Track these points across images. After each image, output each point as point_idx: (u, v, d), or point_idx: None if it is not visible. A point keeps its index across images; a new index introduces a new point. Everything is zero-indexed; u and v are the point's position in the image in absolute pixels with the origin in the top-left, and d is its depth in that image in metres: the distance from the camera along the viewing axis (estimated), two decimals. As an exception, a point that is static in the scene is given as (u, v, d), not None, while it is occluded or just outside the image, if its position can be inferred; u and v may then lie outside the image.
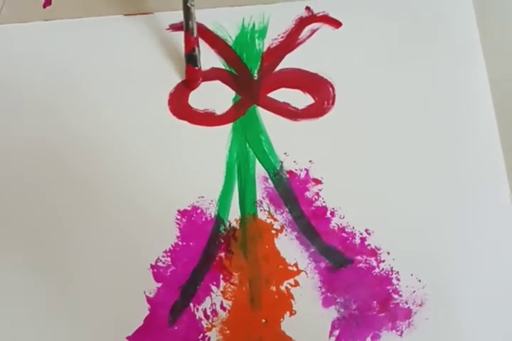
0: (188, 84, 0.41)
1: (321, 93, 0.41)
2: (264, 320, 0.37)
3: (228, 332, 0.37)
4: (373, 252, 0.38)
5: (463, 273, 0.37)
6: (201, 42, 0.41)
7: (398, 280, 0.37)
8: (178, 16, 0.42)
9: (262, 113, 0.41)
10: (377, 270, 0.38)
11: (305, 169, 0.39)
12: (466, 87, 0.41)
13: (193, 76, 0.41)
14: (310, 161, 0.40)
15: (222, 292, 0.37)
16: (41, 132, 0.40)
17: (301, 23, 0.42)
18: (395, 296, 0.37)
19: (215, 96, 0.41)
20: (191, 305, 0.37)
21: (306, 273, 0.37)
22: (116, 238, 0.38)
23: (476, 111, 0.40)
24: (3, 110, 0.41)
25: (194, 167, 0.39)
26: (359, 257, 0.38)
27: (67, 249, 0.38)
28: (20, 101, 0.41)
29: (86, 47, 0.42)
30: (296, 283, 0.37)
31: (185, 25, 0.40)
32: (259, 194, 0.39)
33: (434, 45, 0.42)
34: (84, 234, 0.38)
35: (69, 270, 0.37)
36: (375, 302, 0.37)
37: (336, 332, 0.37)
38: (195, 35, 0.40)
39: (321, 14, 0.43)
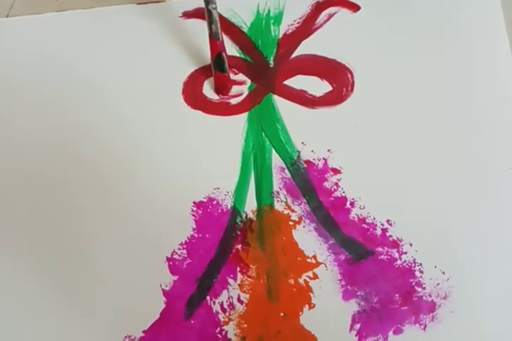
0: (218, 90, 0.40)
1: (340, 79, 0.40)
2: (282, 314, 0.36)
3: (246, 325, 0.36)
4: (395, 243, 0.37)
5: (488, 264, 0.36)
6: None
7: (421, 272, 0.36)
8: (191, 4, 0.41)
9: (279, 101, 0.40)
10: (399, 262, 0.36)
11: (323, 158, 0.38)
12: (492, 70, 0.39)
13: (221, 82, 0.40)
14: (328, 150, 0.38)
15: (239, 285, 0.36)
16: (56, 123, 0.40)
17: (318, 7, 0.41)
18: (418, 289, 0.36)
19: (229, 84, 0.40)
20: (208, 298, 0.36)
21: (326, 266, 0.37)
22: (132, 230, 0.38)
23: (502, 97, 0.39)
24: (18, 101, 0.41)
25: (209, 158, 0.39)
26: (380, 249, 0.37)
27: (82, 242, 0.38)
28: (35, 92, 0.41)
29: (99, 37, 0.42)
30: (315, 276, 0.36)
31: (208, 30, 0.38)
32: (276, 184, 0.38)
33: (457, 28, 0.40)
34: (100, 227, 0.38)
35: (84, 263, 0.37)
36: (397, 295, 0.36)
37: (357, 326, 0.36)
38: (220, 38, 0.38)
39: (339, -2, 0.41)
